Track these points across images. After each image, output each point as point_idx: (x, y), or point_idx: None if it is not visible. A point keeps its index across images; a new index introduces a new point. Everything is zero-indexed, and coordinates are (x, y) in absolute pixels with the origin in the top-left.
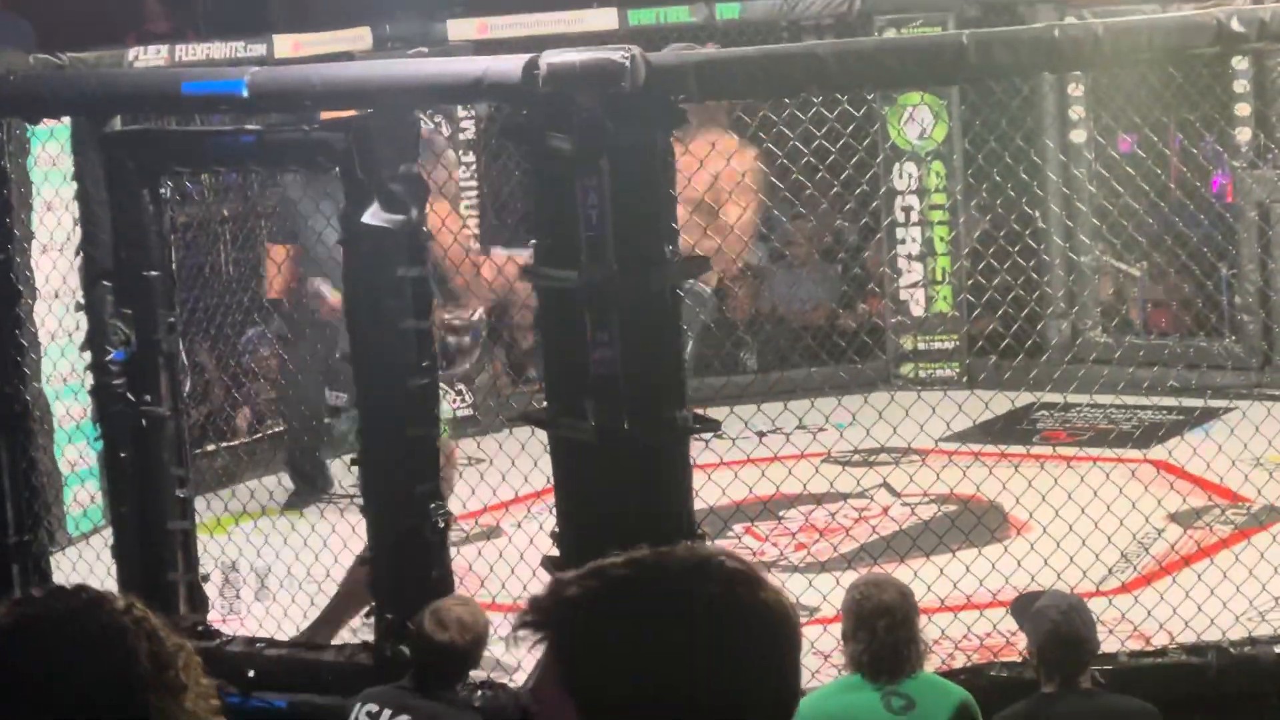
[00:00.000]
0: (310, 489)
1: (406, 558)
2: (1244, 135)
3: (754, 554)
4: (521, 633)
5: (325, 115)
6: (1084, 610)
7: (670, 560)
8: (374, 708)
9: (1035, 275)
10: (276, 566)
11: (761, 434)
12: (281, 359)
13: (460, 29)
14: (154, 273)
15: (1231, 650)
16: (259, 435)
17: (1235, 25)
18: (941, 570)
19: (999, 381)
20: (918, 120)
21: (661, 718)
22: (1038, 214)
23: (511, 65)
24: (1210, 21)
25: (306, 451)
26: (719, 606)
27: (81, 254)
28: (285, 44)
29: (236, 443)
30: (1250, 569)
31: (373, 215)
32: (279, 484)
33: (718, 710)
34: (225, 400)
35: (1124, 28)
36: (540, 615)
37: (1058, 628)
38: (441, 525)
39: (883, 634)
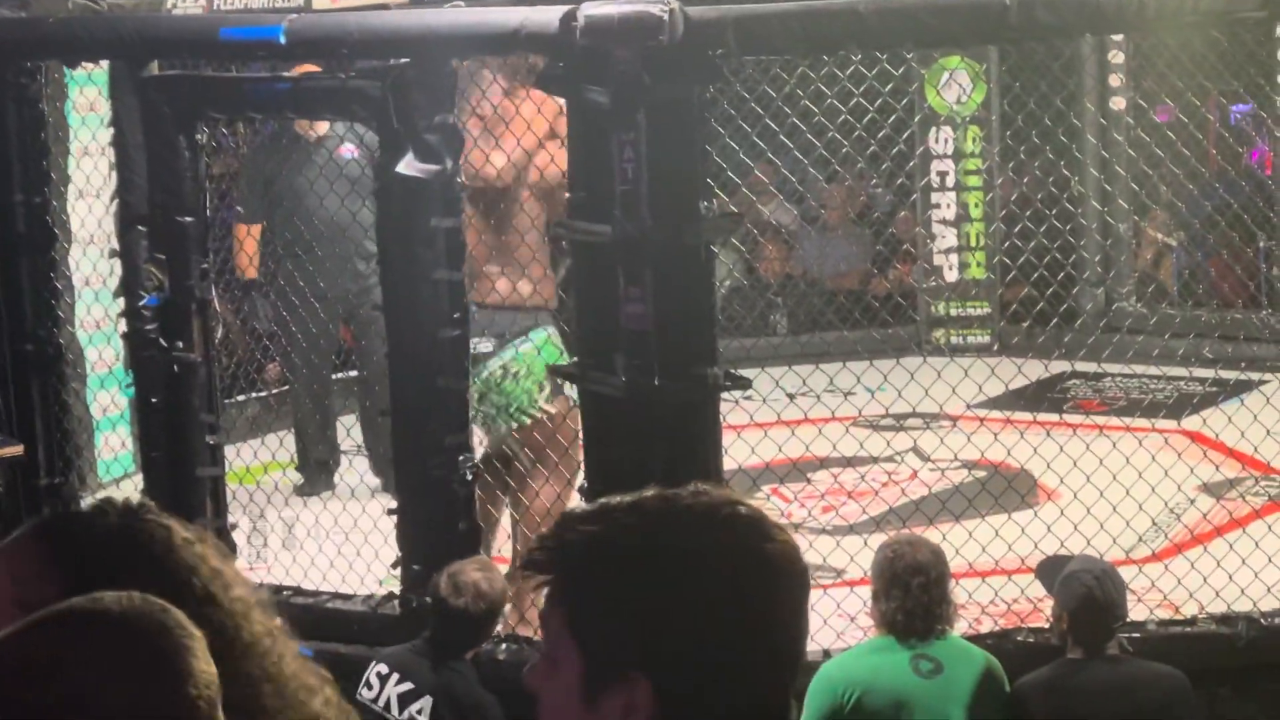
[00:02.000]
0: (323, 474)
1: (434, 509)
2: None
3: (782, 514)
4: (526, 572)
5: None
6: (1116, 576)
7: (677, 504)
8: (384, 669)
9: (1071, 240)
10: (304, 515)
11: (792, 395)
12: (289, 332)
13: None
14: (188, 219)
15: (1262, 621)
16: (289, 386)
17: None
18: (970, 534)
19: (1032, 348)
20: (956, 83)
21: (665, 667)
22: (1075, 179)
23: (549, 17)
24: None
25: (316, 433)
26: (724, 553)
27: (117, 199)
28: None
29: (267, 393)
30: None
31: (407, 165)
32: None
33: (724, 657)
34: (257, 351)
35: None
36: (545, 556)
37: (1092, 593)
38: (469, 477)
39: (917, 591)
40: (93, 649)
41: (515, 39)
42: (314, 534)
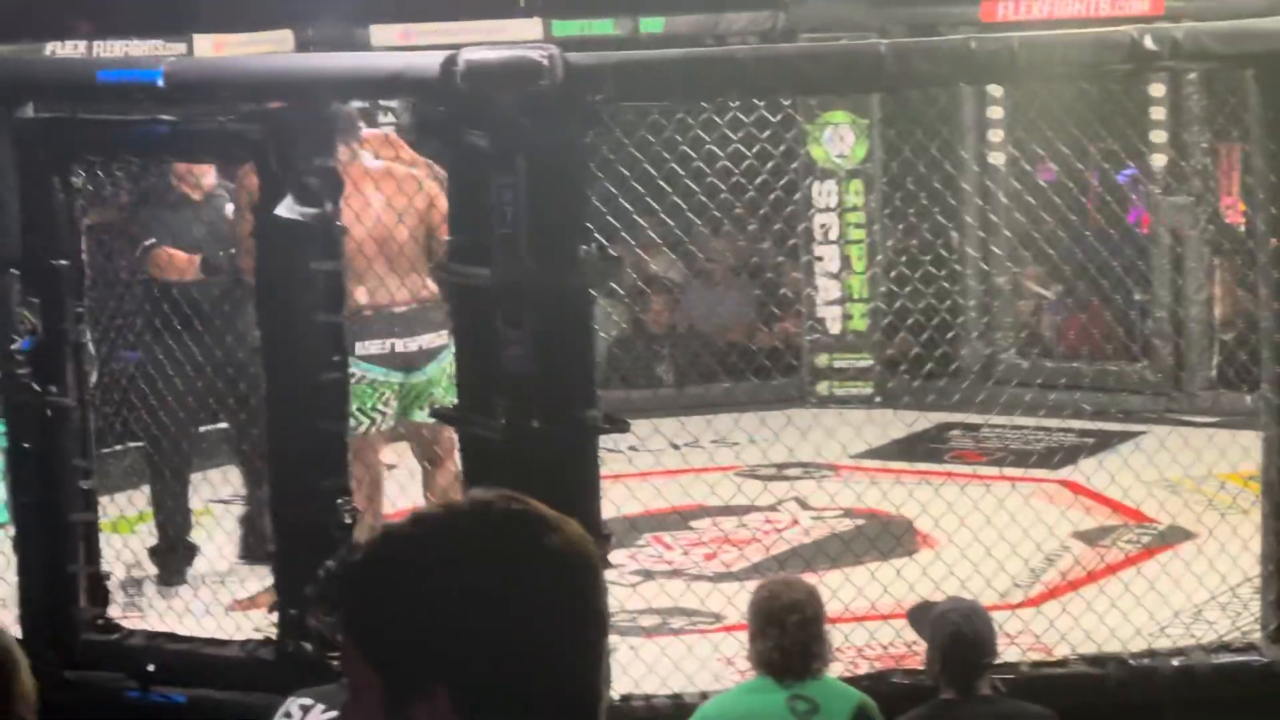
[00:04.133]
0: (183, 555)
1: (311, 553)
2: (1159, 161)
3: (664, 561)
4: (319, 606)
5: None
6: (984, 614)
7: (454, 511)
8: (308, 701)
9: (949, 286)
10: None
11: (677, 445)
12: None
13: (383, 35)
14: (63, 262)
15: (1130, 662)
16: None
17: (1149, 43)
18: (847, 578)
19: (914, 400)
20: (840, 137)
21: (459, 672)
22: (953, 228)
23: (430, 61)
24: (1124, 39)
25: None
26: (500, 549)
27: None
28: (206, 44)
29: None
30: (1151, 583)
31: (286, 208)
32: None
33: (516, 653)
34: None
35: (1039, 42)
36: (331, 587)
37: (960, 629)
38: (348, 521)
39: (793, 630)
40: None
41: (396, 83)
42: (191, 580)
